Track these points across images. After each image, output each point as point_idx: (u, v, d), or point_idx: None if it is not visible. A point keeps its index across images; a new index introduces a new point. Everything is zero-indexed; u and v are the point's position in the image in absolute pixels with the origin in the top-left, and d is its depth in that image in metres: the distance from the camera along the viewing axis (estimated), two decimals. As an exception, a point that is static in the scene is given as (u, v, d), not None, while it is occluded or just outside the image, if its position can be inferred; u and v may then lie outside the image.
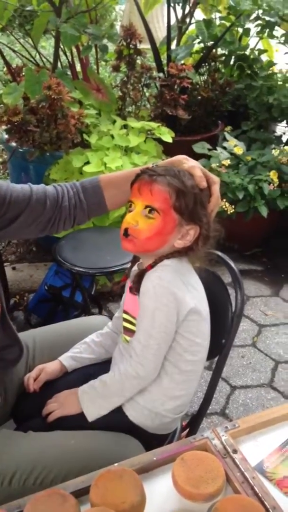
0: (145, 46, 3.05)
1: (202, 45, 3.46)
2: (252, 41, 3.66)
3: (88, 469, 0.95)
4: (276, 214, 2.82)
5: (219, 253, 1.33)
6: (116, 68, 2.96)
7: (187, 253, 1.18)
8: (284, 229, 3.07)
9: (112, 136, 2.64)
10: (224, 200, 2.69)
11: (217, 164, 2.83)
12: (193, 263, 1.21)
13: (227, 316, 1.32)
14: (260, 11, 3.16)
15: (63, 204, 1.24)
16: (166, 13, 3.36)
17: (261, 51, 3.64)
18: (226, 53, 3.53)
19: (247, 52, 3.59)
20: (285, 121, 3.50)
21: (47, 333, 1.48)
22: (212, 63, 3.47)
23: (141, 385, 1.18)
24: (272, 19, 3.11)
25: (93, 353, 1.35)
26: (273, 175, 2.76)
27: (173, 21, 3.39)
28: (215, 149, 2.94)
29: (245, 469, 0.92)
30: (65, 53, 3.05)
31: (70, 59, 3.01)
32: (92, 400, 1.20)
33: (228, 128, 3.25)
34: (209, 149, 2.94)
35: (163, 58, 3.38)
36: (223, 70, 3.58)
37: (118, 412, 1.21)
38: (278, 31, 3.31)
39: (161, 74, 3.11)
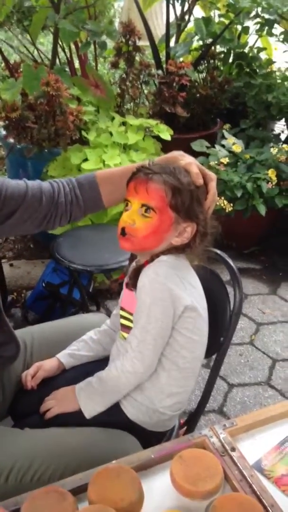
0: (144, 43, 3.04)
1: (201, 42, 3.46)
2: (251, 39, 3.66)
3: (85, 465, 0.95)
4: (274, 212, 2.82)
5: (218, 251, 1.33)
6: (114, 65, 2.95)
7: (184, 250, 1.18)
8: (282, 228, 3.07)
9: (111, 133, 2.63)
10: (223, 198, 2.69)
11: (216, 162, 2.82)
12: (191, 261, 1.21)
13: (225, 314, 1.32)
14: (259, 9, 3.16)
15: (59, 200, 1.23)
16: (165, 10, 3.36)
17: (260, 49, 3.63)
18: (225, 51, 3.53)
19: (246, 50, 3.58)
20: (283, 119, 3.49)
21: (45, 330, 1.47)
22: (211, 61, 3.46)
23: (137, 381, 1.18)
24: (271, 17, 3.11)
25: (91, 350, 1.35)
26: (271, 173, 2.76)
27: (172, 18, 3.39)
28: (214, 147, 2.94)
29: (243, 467, 0.92)
30: (63, 50, 3.04)
31: (68, 56, 3.00)
32: (89, 397, 1.20)
33: (227, 126, 3.24)
34: (208, 147, 2.94)
35: (162, 55, 3.37)
36: (222, 68, 3.57)
37: (116, 409, 1.21)
38: (277, 29, 3.31)
39: (160, 72, 3.10)
